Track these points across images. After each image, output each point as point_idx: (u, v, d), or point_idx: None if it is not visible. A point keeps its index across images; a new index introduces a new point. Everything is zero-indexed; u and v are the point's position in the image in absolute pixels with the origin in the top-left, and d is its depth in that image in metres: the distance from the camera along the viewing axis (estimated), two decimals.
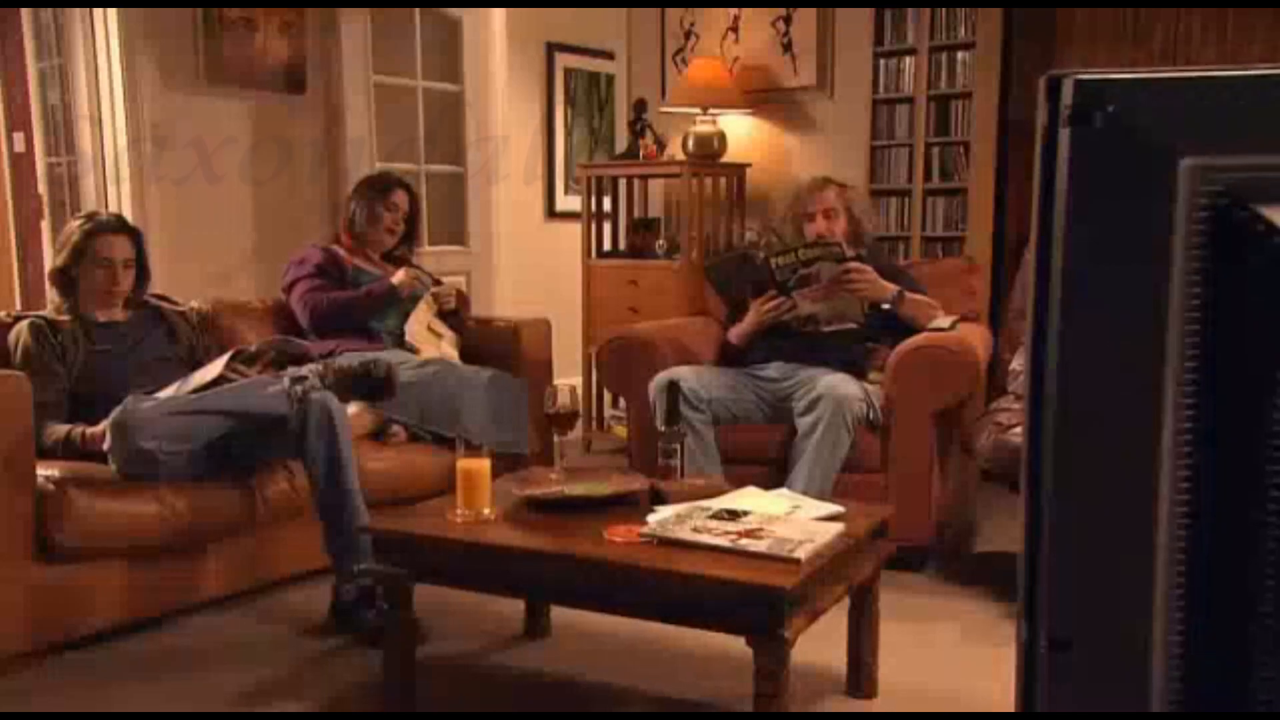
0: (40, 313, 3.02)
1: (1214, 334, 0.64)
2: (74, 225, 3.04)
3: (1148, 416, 0.66)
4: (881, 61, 4.57)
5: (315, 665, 2.61)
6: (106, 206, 4.37)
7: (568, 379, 4.56)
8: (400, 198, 3.73)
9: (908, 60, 4.51)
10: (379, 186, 3.74)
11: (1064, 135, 0.67)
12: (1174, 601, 0.70)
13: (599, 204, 5.01)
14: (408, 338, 3.56)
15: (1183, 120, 0.65)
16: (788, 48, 4.76)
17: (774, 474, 3.14)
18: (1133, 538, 0.67)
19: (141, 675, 2.55)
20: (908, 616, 2.82)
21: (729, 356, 3.56)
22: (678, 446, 2.55)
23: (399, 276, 3.57)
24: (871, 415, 3.17)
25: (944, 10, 4.41)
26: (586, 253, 4.94)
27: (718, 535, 2.11)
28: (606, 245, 5.07)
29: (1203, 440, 0.66)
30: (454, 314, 3.75)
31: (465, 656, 2.67)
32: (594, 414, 5.00)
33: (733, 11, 4.88)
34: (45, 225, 4.92)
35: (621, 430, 4.71)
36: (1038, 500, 0.67)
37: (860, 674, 2.41)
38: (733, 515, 2.24)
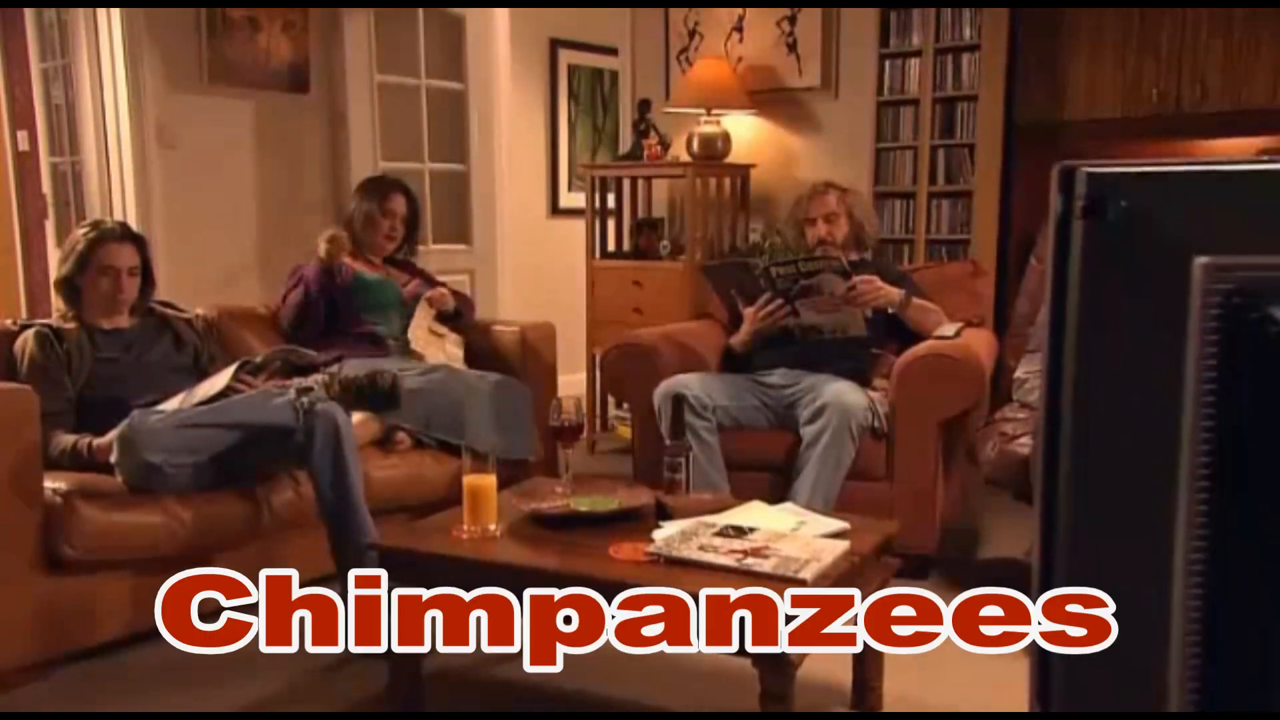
0: (46, 321, 3.02)
1: (1227, 431, 0.64)
2: (78, 234, 3.04)
3: (1163, 512, 0.66)
4: (886, 63, 4.55)
5: (321, 677, 2.62)
6: (110, 208, 4.37)
7: (571, 376, 4.57)
8: (397, 202, 3.72)
9: (913, 62, 4.50)
10: (377, 190, 3.74)
11: (1077, 228, 0.67)
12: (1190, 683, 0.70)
13: (603, 203, 5.00)
14: (412, 343, 3.56)
15: (1196, 216, 0.65)
16: (792, 48, 4.75)
17: (778, 480, 3.14)
18: (1147, 651, 0.68)
19: (147, 686, 2.56)
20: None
21: (732, 363, 3.55)
22: (683, 459, 2.55)
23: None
24: (876, 424, 3.17)
25: (949, 11, 4.39)
26: (590, 253, 4.93)
27: (723, 554, 2.12)
28: (610, 246, 5.06)
29: (1219, 530, 0.66)
30: (456, 315, 3.75)
31: (471, 669, 2.68)
32: (598, 414, 5.01)
33: (737, 11, 4.86)
34: (49, 224, 4.92)
35: (625, 430, 4.71)
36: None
37: (865, 688, 2.42)
38: (738, 532, 2.25)
